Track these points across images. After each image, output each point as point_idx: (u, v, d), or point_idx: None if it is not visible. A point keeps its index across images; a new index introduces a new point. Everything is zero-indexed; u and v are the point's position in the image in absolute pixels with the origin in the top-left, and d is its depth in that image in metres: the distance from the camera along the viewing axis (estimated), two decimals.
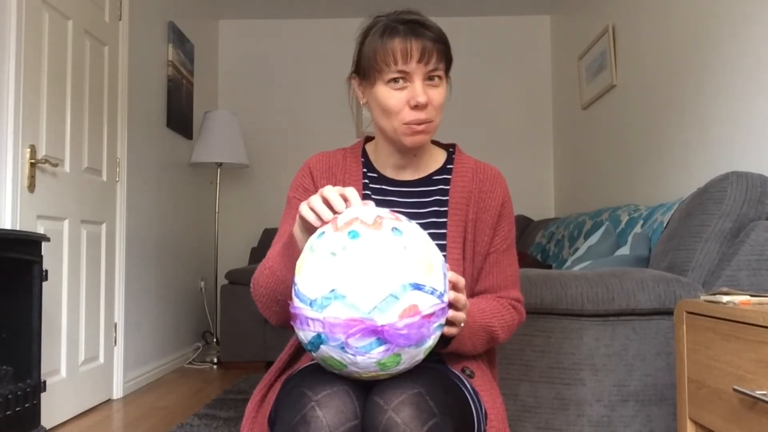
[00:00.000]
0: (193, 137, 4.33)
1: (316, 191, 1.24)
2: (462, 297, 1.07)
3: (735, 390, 1.15)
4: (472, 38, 4.87)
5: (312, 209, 1.03)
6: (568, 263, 2.51)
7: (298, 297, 0.98)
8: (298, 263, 1.00)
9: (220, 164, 4.33)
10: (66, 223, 2.67)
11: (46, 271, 2.19)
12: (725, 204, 1.76)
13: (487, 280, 1.26)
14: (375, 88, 1.20)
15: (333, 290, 0.93)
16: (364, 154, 1.34)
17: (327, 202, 1.03)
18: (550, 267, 2.99)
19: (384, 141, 1.27)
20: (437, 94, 1.19)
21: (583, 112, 4.10)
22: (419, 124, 1.18)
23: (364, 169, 1.31)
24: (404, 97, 1.17)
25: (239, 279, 3.89)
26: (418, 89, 1.16)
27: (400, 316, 0.93)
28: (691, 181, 2.63)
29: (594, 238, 2.57)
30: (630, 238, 2.27)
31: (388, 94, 1.18)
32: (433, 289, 0.96)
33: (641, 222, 2.43)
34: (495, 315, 1.21)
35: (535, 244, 3.67)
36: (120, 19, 3.20)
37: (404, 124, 1.18)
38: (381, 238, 0.95)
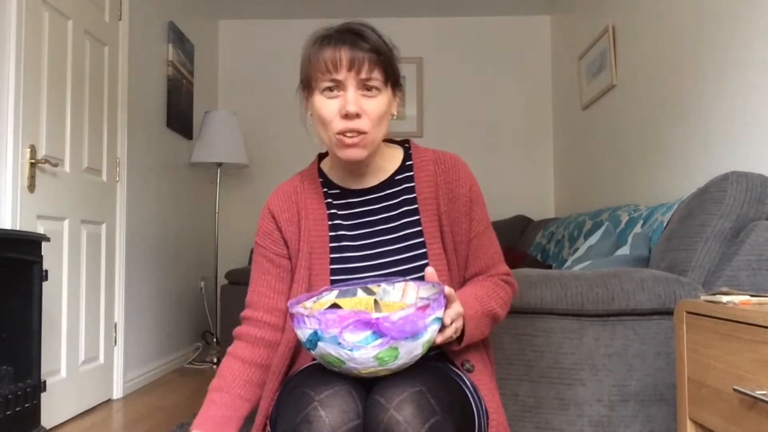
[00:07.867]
0: (193, 137, 4.33)
1: (280, 233, 1.26)
2: (457, 308, 1.08)
3: (735, 390, 1.15)
4: (472, 38, 4.87)
5: None
6: (568, 263, 2.51)
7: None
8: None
9: (220, 164, 4.33)
10: (66, 223, 2.67)
11: (46, 271, 2.19)
12: (725, 204, 1.76)
13: (476, 264, 1.27)
14: (312, 98, 1.18)
15: None
16: (321, 172, 1.32)
17: None
18: (550, 267, 2.99)
19: (332, 153, 1.23)
20: (373, 105, 1.15)
21: (583, 112, 4.10)
22: (351, 135, 1.14)
23: (325, 189, 1.28)
24: (337, 107, 1.15)
25: (239, 279, 3.88)
26: (349, 98, 1.13)
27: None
28: (691, 181, 2.63)
29: (594, 238, 2.57)
30: (630, 238, 2.27)
31: (322, 103, 1.16)
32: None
33: (641, 222, 2.43)
34: (491, 297, 1.21)
35: (535, 244, 3.67)
36: (120, 19, 3.20)
37: (336, 134, 1.15)
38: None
